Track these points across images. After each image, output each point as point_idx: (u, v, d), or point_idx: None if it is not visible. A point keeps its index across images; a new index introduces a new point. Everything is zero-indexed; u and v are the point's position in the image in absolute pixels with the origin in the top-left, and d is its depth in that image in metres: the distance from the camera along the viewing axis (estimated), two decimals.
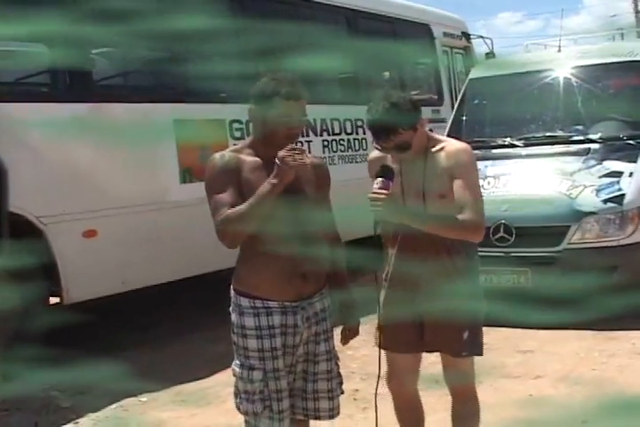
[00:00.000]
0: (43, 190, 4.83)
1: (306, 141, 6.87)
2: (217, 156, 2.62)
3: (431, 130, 3.22)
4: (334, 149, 7.46)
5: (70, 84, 5.16)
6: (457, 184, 2.71)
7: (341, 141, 7.55)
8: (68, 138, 4.93)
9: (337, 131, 7.51)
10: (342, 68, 7.09)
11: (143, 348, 5.11)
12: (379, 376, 2.84)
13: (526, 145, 6.39)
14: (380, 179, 2.65)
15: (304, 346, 2.65)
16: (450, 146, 2.81)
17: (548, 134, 6.41)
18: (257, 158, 2.59)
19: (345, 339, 2.86)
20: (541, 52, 7.92)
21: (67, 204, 4.95)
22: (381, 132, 2.72)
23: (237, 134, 6.12)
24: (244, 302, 2.61)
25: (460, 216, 2.68)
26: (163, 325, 5.99)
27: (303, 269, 2.57)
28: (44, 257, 4.70)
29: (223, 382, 2.70)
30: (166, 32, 5.38)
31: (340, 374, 2.77)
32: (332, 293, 2.76)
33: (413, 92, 9.07)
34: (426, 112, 8.32)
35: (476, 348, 2.95)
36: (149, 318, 6.22)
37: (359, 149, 7.72)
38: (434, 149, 2.80)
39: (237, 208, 2.46)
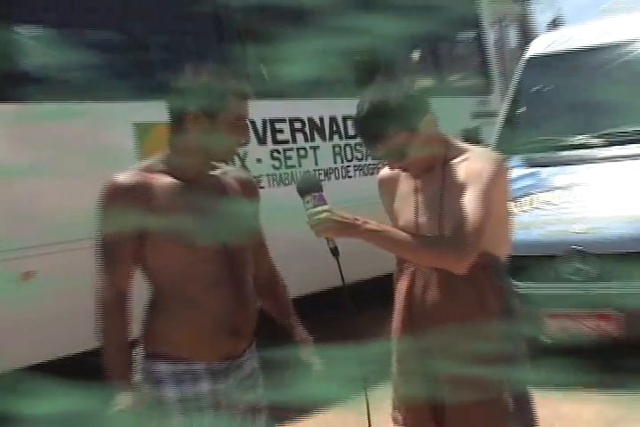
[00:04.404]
0: None
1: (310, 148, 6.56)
2: (119, 180, 2.48)
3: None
4: (348, 158, 6.92)
5: None
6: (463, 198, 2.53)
7: (357, 147, 7.14)
8: None
9: (351, 133, 7.13)
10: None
11: None
12: None
13: (608, 144, 5.94)
14: (312, 195, 2.50)
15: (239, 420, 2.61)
16: (475, 156, 2.63)
17: (637, 128, 5.93)
18: (175, 180, 2.51)
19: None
20: (624, 17, 7.44)
21: None
22: (365, 137, 2.60)
23: None
24: (161, 366, 2.50)
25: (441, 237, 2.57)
26: None
27: (236, 320, 2.52)
28: None
29: None
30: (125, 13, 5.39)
31: None
32: (276, 320, 2.79)
33: (453, 78, 9.12)
34: (471, 103, 8.44)
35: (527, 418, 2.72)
36: None
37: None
38: (455, 161, 2.64)
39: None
